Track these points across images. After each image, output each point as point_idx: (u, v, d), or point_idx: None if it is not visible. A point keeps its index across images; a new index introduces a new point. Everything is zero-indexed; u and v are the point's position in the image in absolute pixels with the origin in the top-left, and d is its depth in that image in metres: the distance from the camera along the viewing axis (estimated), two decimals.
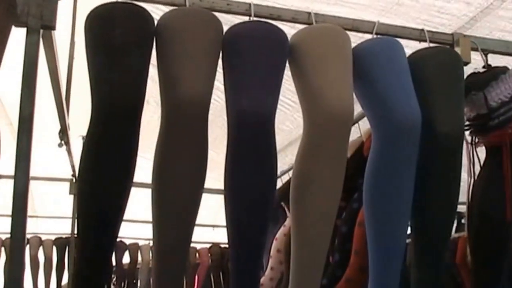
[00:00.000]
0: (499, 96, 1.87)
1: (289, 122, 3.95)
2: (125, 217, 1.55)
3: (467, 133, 1.94)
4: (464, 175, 1.89)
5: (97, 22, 1.57)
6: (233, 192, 1.57)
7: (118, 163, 1.50)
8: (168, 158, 1.55)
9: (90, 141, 1.51)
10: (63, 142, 2.44)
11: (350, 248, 2.34)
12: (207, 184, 1.64)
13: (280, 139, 2.38)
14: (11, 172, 1.33)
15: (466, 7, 2.60)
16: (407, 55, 1.81)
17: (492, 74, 1.91)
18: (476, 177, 1.93)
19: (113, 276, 5.78)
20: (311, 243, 1.63)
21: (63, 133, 2.41)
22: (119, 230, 1.55)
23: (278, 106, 1.61)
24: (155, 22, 1.63)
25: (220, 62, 1.66)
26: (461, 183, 1.80)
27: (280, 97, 1.61)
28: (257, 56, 1.58)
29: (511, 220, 1.82)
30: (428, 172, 1.71)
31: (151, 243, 2.19)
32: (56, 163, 3.90)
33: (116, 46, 1.52)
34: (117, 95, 1.48)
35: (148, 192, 1.61)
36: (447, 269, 4.61)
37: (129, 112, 1.50)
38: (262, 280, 2.87)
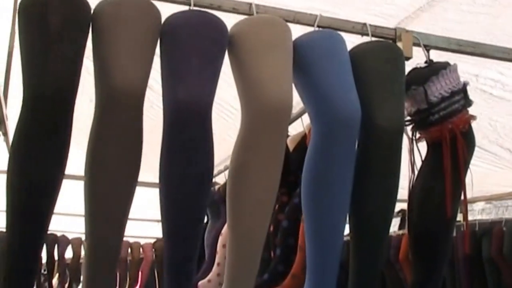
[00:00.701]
0: (439, 91, 1.87)
1: (231, 132, 3.91)
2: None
3: (408, 128, 1.94)
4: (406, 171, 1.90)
5: (30, 7, 1.51)
6: (166, 185, 1.54)
7: (47, 154, 1.44)
8: (101, 149, 1.51)
9: (19, 131, 1.45)
10: (0, 132, 2.38)
11: (292, 243, 2.33)
12: (150, 178, 1.61)
13: (222, 148, 2.35)
14: None
15: None
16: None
17: (433, 69, 1.91)
18: (417, 172, 1.93)
19: (55, 271, 5.69)
20: (247, 235, 1.60)
21: (1, 124, 2.35)
22: (49, 224, 1.49)
23: (220, 114, 1.59)
24: (92, 9, 1.58)
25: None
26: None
27: (223, 104, 1.59)
28: (194, 45, 1.55)
29: (451, 216, 1.83)
30: (366, 166, 1.70)
31: None
32: None
33: (49, 33, 1.46)
34: (47, 84, 1.42)
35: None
36: (391, 266, 4.69)
37: (59, 102, 1.44)
38: (209, 276, 2.84)
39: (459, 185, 1.85)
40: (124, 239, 1.63)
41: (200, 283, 2.75)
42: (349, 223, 1.76)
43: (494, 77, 3.21)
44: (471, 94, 3.23)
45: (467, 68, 3.07)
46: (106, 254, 1.55)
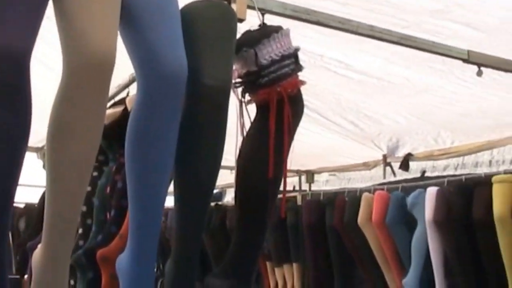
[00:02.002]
0: (270, 54, 1.89)
1: None
2: None
3: (238, 90, 1.96)
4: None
5: None
6: None
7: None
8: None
9: None
10: None
11: (126, 204, 2.30)
12: None
13: None
14: None
15: None
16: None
17: (265, 32, 1.94)
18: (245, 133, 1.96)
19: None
20: (65, 192, 1.55)
21: None
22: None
23: None
24: None
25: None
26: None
27: None
28: None
29: (274, 177, 1.87)
30: (192, 125, 1.69)
31: None
32: None
33: None
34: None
35: None
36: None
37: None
38: None
39: (283, 147, 1.89)
40: None
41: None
42: (174, 184, 1.76)
43: (338, 58, 3.33)
44: (317, 71, 3.36)
45: (312, 48, 3.16)
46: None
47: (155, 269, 1.86)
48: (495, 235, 3.42)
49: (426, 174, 4.40)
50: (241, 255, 1.94)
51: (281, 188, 2.01)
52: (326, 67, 3.42)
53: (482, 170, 3.83)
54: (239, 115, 1.96)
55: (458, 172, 4.15)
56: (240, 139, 1.96)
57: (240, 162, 1.93)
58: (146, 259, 1.69)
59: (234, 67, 1.88)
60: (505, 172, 3.63)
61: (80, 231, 2.72)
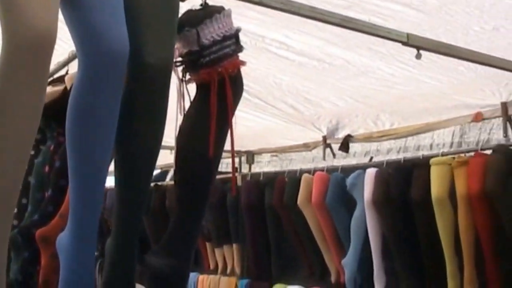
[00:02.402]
0: (211, 35, 1.89)
1: None
2: None
3: (179, 69, 1.95)
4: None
5: None
6: None
7: None
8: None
9: None
10: None
11: (64, 184, 2.28)
12: None
13: None
14: None
15: None
16: None
17: (208, 12, 1.93)
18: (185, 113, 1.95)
19: None
20: (3, 172, 1.51)
21: None
22: None
23: None
24: None
25: None
26: None
27: None
28: None
29: (214, 156, 1.87)
30: (133, 104, 1.67)
31: None
32: None
33: None
34: None
35: None
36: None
37: None
38: None
39: (224, 127, 1.89)
40: None
41: None
42: (114, 163, 1.74)
43: (280, 39, 3.33)
44: (257, 53, 3.35)
45: (254, 29, 3.16)
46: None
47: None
48: (432, 216, 3.50)
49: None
50: (180, 234, 1.93)
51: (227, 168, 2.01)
52: (267, 49, 3.42)
53: (424, 154, 3.89)
54: (179, 95, 1.95)
55: (400, 155, 4.22)
56: (180, 118, 1.95)
57: (180, 142, 1.92)
58: (87, 237, 1.67)
59: (175, 46, 1.86)
60: (443, 154, 3.71)
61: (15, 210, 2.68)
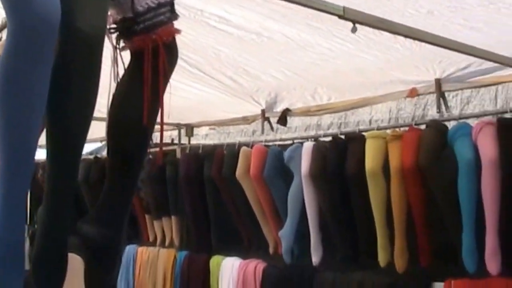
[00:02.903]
0: (146, 1, 1.87)
1: None
2: None
3: (113, 36, 1.93)
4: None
5: None
6: None
7: None
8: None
9: None
10: None
11: None
12: None
13: None
14: None
15: None
16: None
17: None
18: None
19: None
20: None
21: None
22: None
23: None
24: None
25: None
26: None
27: None
28: None
29: (147, 125, 1.86)
30: (65, 71, 1.65)
31: None
32: None
33: None
34: None
35: None
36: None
37: None
38: None
39: (158, 95, 1.88)
40: None
41: None
42: (46, 133, 1.71)
43: (218, 13, 3.33)
44: (197, 26, 3.34)
45: (193, 3, 3.15)
46: None
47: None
48: (367, 189, 3.57)
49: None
50: (112, 203, 1.92)
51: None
52: (206, 22, 3.41)
53: (360, 128, 3.96)
54: (113, 62, 1.93)
55: (341, 130, 4.27)
56: (114, 86, 1.94)
57: (113, 109, 1.90)
58: (15, 207, 1.65)
59: (109, 13, 1.84)
60: (379, 129, 3.78)
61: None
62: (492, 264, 3.15)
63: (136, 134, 1.88)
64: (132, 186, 1.96)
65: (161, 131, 1.94)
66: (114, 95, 1.92)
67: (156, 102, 1.89)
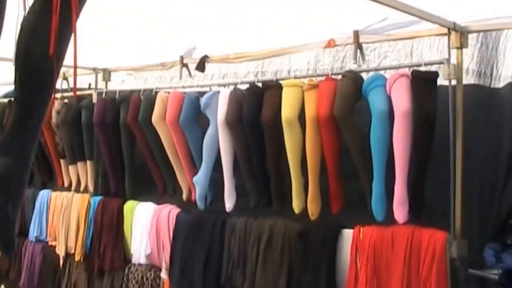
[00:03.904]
0: None
1: None
2: None
3: None
4: None
5: None
6: None
7: None
8: None
9: None
10: None
11: None
12: None
13: None
14: None
15: None
16: None
17: None
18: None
19: None
20: None
21: None
22: None
23: None
24: None
25: None
26: None
27: None
28: None
29: (54, 55, 1.80)
30: None
31: None
32: None
33: None
34: None
35: None
36: None
37: None
38: None
39: (69, 27, 1.82)
40: None
41: None
42: None
43: None
44: None
45: None
46: None
47: None
48: (282, 137, 3.60)
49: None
50: (18, 134, 1.87)
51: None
52: None
53: (278, 77, 3.95)
54: None
55: (258, 78, 4.26)
56: (22, 15, 1.87)
57: (21, 38, 1.84)
58: None
59: None
60: (296, 78, 3.80)
61: None
62: (400, 212, 3.25)
63: (43, 63, 1.82)
64: (39, 117, 1.91)
65: (75, 57, 1.87)
66: (22, 24, 1.85)
67: (67, 33, 1.84)
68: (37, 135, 1.93)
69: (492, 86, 3.46)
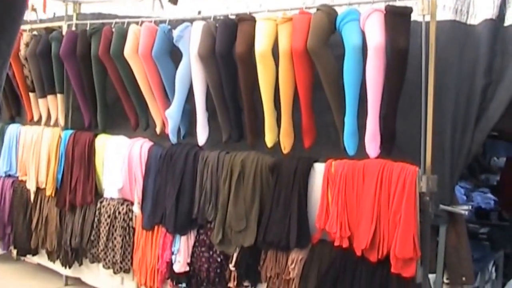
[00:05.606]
0: None
1: None
2: None
3: None
4: None
5: None
6: None
7: None
8: None
9: None
10: None
11: None
12: None
13: None
14: None
15: None
16: None
17: None
18: None
19: None
20: None
21: None
22: None
23: None
24: None
25: None
26: None
27: None
28: None
29: None
30: None
31: None
32: None
33: None
34: None
35: None
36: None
37: None
38: None
39: None
40: None
41: None
42: None
43: None
44: None
45: None
46: None
47: None
48: (255, 71, 3.57)
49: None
50: None
51: None
52: None
53: (251, 11, 3.89)
54: None
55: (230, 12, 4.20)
56: None
57: None
58: None
59: None
60: (269, 11, 3.75)
61: None
62: (371, 146, 3.27)
63: None
64: (4, 50, 1.85)
65: None
66: None
67: None
68: (4, 69, 1.88)
69: (468, 23, 3.43)
